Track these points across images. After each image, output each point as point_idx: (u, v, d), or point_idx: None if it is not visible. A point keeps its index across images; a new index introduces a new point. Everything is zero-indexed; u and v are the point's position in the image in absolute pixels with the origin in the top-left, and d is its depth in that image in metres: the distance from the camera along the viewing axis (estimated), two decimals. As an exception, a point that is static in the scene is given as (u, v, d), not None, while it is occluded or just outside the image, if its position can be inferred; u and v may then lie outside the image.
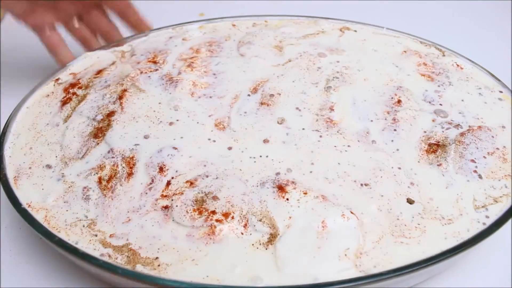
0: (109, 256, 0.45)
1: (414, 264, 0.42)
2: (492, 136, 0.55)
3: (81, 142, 0.55)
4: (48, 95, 0.63)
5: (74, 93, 0.62)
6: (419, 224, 0.47)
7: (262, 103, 0.59)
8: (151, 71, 0.65)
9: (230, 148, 0.54)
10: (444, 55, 0.68)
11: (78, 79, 0.64)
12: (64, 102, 0.61)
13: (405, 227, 0.46)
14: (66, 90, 0.63)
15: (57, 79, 0.65)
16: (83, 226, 0.48)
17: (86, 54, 0.68)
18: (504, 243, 0.53)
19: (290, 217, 0.47)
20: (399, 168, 0.52)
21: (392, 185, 0.50)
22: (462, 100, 0.60)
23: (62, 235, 0.46)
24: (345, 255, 0.44)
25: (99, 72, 0.65)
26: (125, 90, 0.61)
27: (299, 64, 0.65)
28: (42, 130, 0.58)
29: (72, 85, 0.63)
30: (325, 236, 0.45)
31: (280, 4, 0.95)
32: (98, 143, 0.55)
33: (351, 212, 0.47)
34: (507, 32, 0.90)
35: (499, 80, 0.63)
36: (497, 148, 0.54)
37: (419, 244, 0.45)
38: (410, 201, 0.48)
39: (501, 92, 0.61)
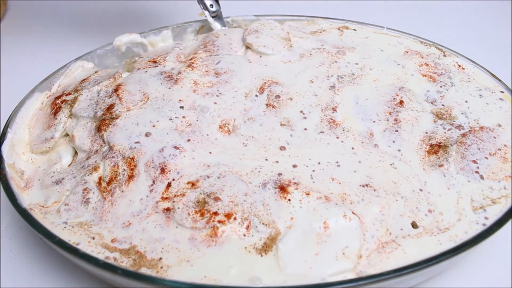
0: (115, 259, 0.45)
1: (415, 264, 0.42)
2: (494, 137, 0.55)
3: (91, 139, 0.55)
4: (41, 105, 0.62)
5: (63, 101, 0.60)
6: (394, 242, 0.46)
7: (268, 105, 0.59)
8: (149, 68, 0.64)
9: (233, 149, 0.54)
10: (445, 55, 0.68)
11: (63, 91, 0.62)
12: (55, 112, 0.59)
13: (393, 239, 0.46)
14: (52, 103, 0.60)
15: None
16: (82, 230, 0.48)
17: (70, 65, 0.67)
18: (504, 243, 0.53)
19: (292, 218, 0.47)
20: (421, 190, 0.50)
21: (407, 207, 0.49)
22: (466, 101, 0.60)
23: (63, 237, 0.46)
24: (343, 253, 0.44)
25: (84, 80, 0.63)
26: (119, 85, 0.60)
27: (310, 63, 0.65)
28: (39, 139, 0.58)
29: (58, 97, 0.61)
30: (327, 236, 0.45)
31: (279, 4, 0.95)
32: (103, 140, 0.54)
33: (353, 213, 0.47)
34: (507, 32, 0.90)
35: (500, 81, 0.63)
36: (499, 149, 0.54)
37: (405, 253, 0.45)
38: (414, 225, 0.47)
39: (502, 92, 0.61)
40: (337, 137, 0.55)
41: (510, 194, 0.50)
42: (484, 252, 0.52)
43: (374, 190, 0.49)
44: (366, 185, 0.50)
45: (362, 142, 0.55)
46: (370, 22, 0.73)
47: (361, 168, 0.52)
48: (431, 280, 0.49)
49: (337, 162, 0.52)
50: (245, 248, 0.45)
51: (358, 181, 0.50)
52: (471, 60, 0.66)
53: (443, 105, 0.60)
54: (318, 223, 0.46)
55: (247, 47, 0.67)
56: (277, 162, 0.52)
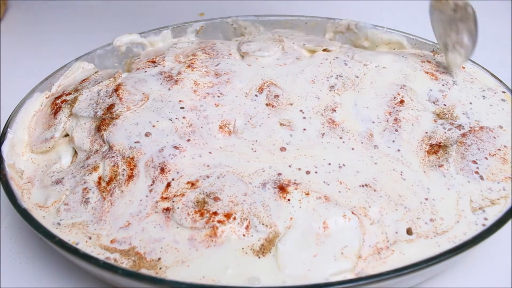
0: (115, 260, 0.45)
1: (415, 264, 0.42)
2: (494, 137, 0.55)
3: (90, 139, 0.55)
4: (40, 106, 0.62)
5: (63, 101, 0.60)
6: (388, 248, 0.46)
7: (267, 104, 0.59)
8: (148, 68, 0.64)
9: (233, 149, 0.54)
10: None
11: (63, 91, 0.62)
12: (55, 112, 0.59)
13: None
14: (53, 103, 0.61)
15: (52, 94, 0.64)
16: (79, 230, 0.48)
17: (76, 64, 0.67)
18: (504, 243, 0.53)
19: (291, 218, 0.46)
20: (426, 199, 0.49)
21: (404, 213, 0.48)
22: (470, 103, 0.60)
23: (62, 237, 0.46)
24: (342, 253, 0.44)
25: (84, 80, 0.64)
26: (119, 85, 0.60)
27: (307, 63, 0.65)
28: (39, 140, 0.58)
29: (58, 97, 0.61)
30: (326, 237, 0.45)
31: (279, 4, 0.95)
32: (102, 140, 0.54)
33: (353, 213, 0.47)
34: (507, 32, 0.89)
35: (500, 81, 0.62)
36: (499, 149, 0.54)
37: (403, 255, 0.45)
38: (409, 232, 0.47)
39: (504, 92, 0.61)
40: (340, 137, 0.55)
41: (510, 194, 0.50)
42: (484, 252, 0.52)
43: (375, 191, 0.49)
44: (366, 185, 0.50)
45: (362, 142, 0.55)
46: (370, 22, 0.73)
47: (365, 170, 0.51)
48: (431, 280, 0.49)
49: (340, 163, 0.52)
50: (242, 249, 0.45)
51: (361, 182, 0.50)
52: (471, 60, 0.66)
53: (445, 104, 0.59)
54: (317, 223, 0.46)
55: (243, 55, 0.67)
56: (277, 163, 0.52)
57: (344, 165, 0.52)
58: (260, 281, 0.43)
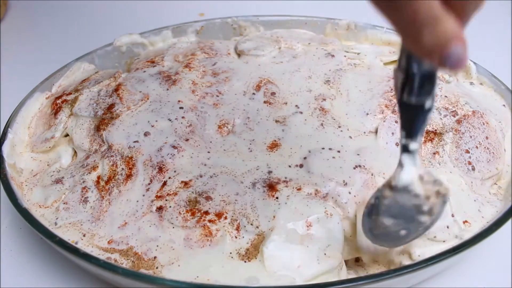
0: (115, 260, 0.45)
1: (414, 264, 0.42)
2: (483, 124, 0.55)
3: (90, 139, 0.55)
4: (39, 108, 0.62)
5: (64, 101, 0.60)
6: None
7: (265, 102, 0.59)
8: (147, 68, 0.64)
9: (231, 149, 0.54)
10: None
11: (63, 91, 0.62)
12: (56, 112, 0.59)
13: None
14: (53, 103, 0.60)
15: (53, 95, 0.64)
16: (71, 227, 0.48)
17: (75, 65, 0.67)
18: (504, 243, 0.53)
19: (274, 216, 0.46)
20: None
21: None
22: (466, 94, 0.59)
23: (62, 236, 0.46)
24: (325, 254, 0.44)
25: (84, 80, 0.64)
26: (120, 84, 0.61)
27: (303, 61, 0.65)
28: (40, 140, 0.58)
29: (58, 97, 0.61)
30: (309, 237, 0.44)
31: (280, 4, 0.95)
32: (102, 139, 0.54)
33: (333, 207, 0.46)
34: (507, 32, 0.89)
35: (500, 81, 0.62)
36: (487, 137, 0.54)
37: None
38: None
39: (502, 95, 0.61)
40: (333, 132, 0.55)
41: (511, 193, 0.50)
42: (484, 252, 0.52)
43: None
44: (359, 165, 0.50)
45: (366, 135, 0.54)
46: (370, 22, 0.73)
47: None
48: (431, 280, 0.49)
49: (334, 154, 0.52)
50: (230, 253, 0.44)
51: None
52: (470, 60, 0.66)
53: (442, 95, 0.58)
54: (300, 222, 0.45)
55: (240, 54, 0.68)
56: (272, 161, 0.52)
57: (342, 167, 0.51)
58: (259, 280, 0.43)
